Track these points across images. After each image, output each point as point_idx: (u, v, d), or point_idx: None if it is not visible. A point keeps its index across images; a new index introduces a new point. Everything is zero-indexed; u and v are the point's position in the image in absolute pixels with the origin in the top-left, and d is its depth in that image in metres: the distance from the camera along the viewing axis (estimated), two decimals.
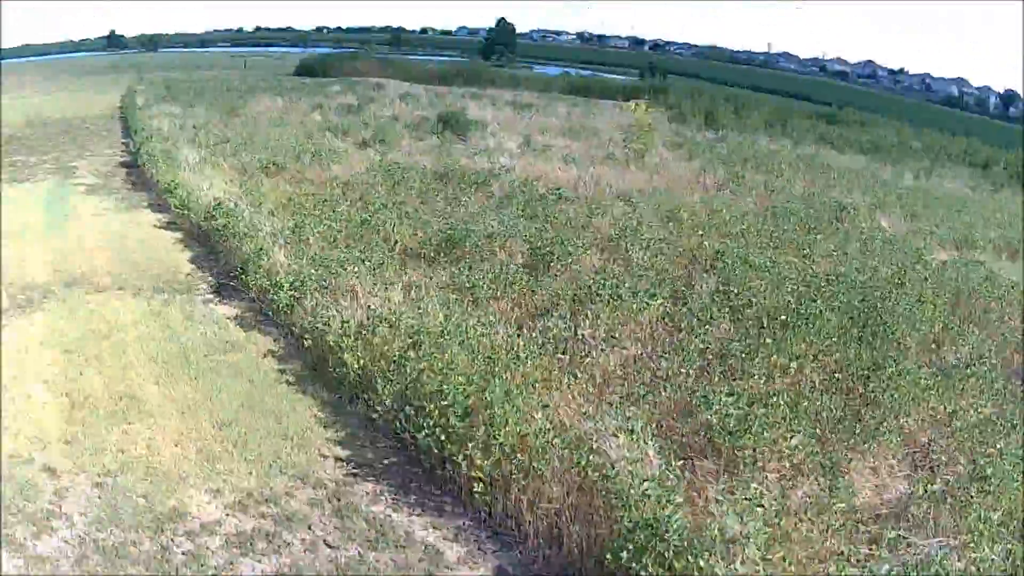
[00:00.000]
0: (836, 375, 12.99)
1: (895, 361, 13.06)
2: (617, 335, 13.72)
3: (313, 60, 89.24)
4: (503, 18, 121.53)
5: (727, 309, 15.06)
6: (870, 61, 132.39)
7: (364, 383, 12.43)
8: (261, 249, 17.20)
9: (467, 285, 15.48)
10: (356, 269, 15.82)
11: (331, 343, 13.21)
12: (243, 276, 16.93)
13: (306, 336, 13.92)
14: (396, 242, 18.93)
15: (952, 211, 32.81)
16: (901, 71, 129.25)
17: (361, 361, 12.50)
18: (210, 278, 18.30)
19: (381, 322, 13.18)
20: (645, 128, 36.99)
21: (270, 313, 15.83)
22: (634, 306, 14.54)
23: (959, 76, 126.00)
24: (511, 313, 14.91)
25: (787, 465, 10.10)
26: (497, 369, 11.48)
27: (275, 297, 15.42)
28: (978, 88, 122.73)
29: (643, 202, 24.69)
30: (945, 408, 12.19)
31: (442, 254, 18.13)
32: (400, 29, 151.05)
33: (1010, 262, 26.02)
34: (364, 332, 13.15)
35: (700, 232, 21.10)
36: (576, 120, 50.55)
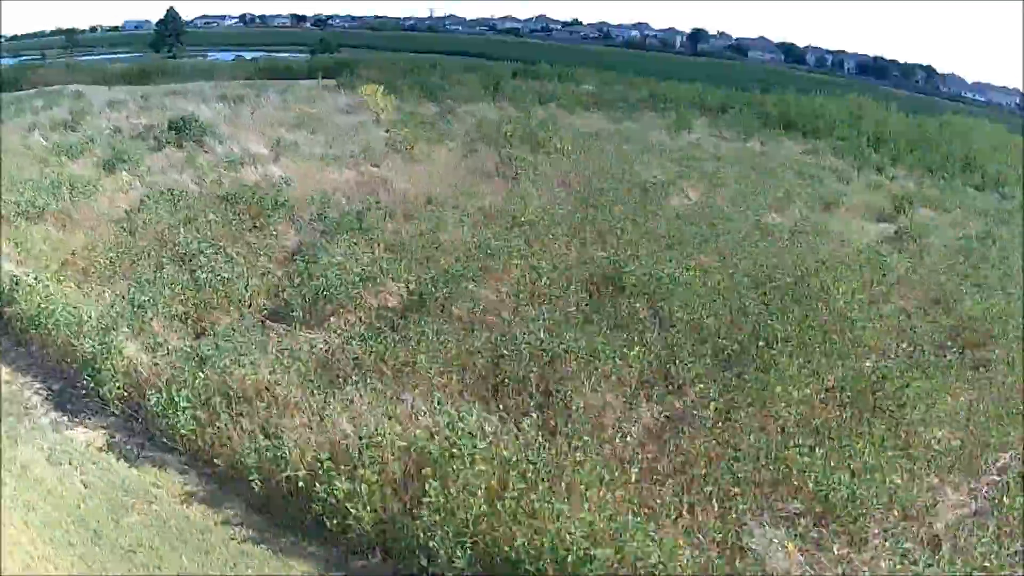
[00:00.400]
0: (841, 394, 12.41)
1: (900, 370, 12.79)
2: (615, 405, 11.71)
3: (8, 72, 79.00)
4: (172, 8, 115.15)
5: (694, 343, 13.55)
6: (542, 15, 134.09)
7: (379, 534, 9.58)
8: (105, 346, 13.24)
9: (403, 361, 12.72)
10: (258, 363, 12.53)
11: (299, 482, 10.15)
12: (94, 385, 12.91)
13: (253, 479, 10.46)
14: (250, 305, 15.78)
15: (734, 168, 32.55)
16: (576, 21, 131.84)
17: (375, 510, 9.52)
18: (38, 385, 14.14)
19: (369, 448, 10.12)
20: (407, 116, 34.08)
21: (156, 435, 12.12)
22: (611, 361, 12.49)
23: (640, 21, 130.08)
24: (461, 392, 12.33)
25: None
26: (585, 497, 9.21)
27: (171, 420, 11.72)
28: (661, 30, 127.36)
29: (461, 205, 22.35)
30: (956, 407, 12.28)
31: (309, 313, 15.27)
32: (72, 30, 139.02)
33: (828, 215, 26.72)
34: (343, 463, 10.03)
35: (561, 239, 19.40)
36: (299, 110, 45.84)
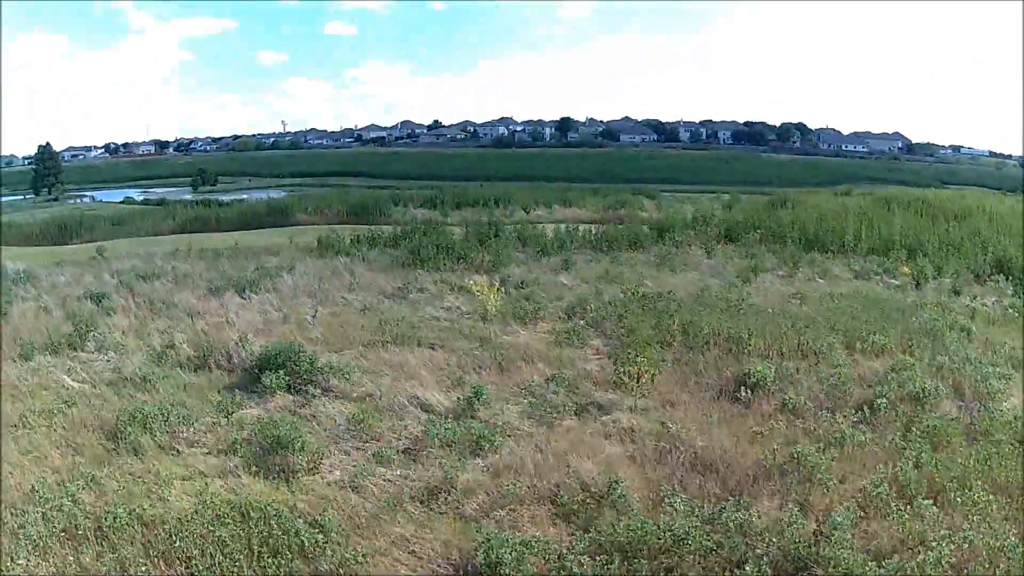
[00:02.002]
0: None
1: None
2: None
3: None
4: (48, 144, 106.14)
5: None
6: (406, 121, 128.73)
7: None
8: None
9: None
10: None
11: None
12: None
13: None
14: None
15: (891, 332, 27.85)
16: (437, 123, 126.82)
17: None
18: None
19: None
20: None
21: None
22: None
23: (504, 116, 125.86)
24: None
25: None
26: None
27: None
28: (525, 122, 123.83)
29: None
30: None
31: None
32: None
33: None
34: None
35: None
36: (356, 299, 33.94)
